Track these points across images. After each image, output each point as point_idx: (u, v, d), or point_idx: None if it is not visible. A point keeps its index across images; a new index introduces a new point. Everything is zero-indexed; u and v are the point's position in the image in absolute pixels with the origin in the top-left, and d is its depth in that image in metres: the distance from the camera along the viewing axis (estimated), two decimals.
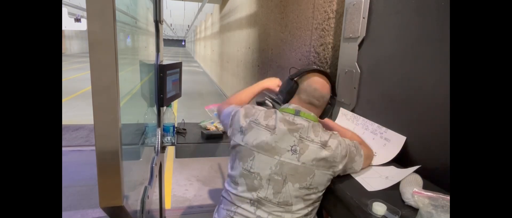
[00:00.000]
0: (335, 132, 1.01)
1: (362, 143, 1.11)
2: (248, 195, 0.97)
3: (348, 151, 0.97)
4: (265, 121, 1.00)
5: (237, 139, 1.02)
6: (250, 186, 0.97)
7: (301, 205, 0.95)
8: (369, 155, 1.08)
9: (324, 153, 0.93)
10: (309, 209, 0.98)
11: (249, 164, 0.97)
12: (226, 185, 1.06)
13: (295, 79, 1.10)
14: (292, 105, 1.06)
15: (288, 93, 1.10)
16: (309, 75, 1.10)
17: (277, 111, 1.05)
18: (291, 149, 0.94)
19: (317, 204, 1.02)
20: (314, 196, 0.96)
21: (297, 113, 1.02)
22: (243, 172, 0.98)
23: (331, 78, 1.15)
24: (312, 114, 1.04)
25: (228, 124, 1.09)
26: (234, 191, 1.00)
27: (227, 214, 1.00)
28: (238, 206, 0.98)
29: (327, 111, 1.12)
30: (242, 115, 1.05)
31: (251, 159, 0.97)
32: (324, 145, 0.94)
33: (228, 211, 1.00)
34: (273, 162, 0.95)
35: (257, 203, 0.96)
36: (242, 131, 1.01)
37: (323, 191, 0.99)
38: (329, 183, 0.98)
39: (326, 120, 1.19)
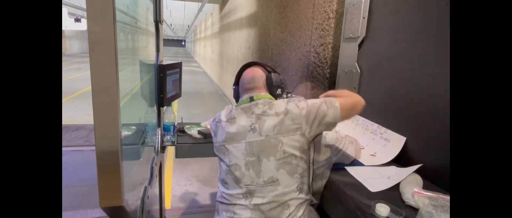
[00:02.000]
0: (297, 97, 1.03)
1: (349, 95, 1.06)
2: (237, 190, 1.00)
3: (311, 109, 0.97)
4: (226, 117, 1.08)
5: (214, 144, 1.12)
6: (235, 179, 1.00)
7: (287, 176, 0.97)
8: (351, 102, 1.03)
9: (281, 118, 0.97)
10: (298, 180, 0.98)
11: (227, 159, 1.03)
12: (218, 189, 1.09)
13: (235, 85, 1.22)
14: (244, 96, 1.12)
15: (234, 97, 1.24)
16: (241, 73, 1.19)
17: (234, 106, 1.12)
18: (251, 129, 1.00)
19: (306, 180, 1.02)
20: (295, 163, 0.97)
21: (251, 99, 1.07)
22: (226, 169, 1.04)
23: (258, 62, 1.20)
24: (263, 93, 1.10)
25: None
26: (226, 191, 1.04)
27: (227, 216, 1.01)
28: (234, 204, 1.00)
29: (273, 85, 1.11)
30: (211, 121, 1.16)
31: (227, 154, 1.04)
32: (279, 113, 0.98)
33: (227, 213, 1.01)
34: (242, 147, 1.00)
35: (248, 194, 0.98)
36: (214, 134, 1.11)
37: (306, 159, 1.00)
38: (305, 148, 0.99)
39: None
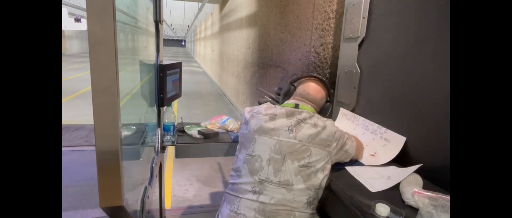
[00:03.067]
0: (332, 120, 1.10)
1: (355, 138, 1.18)
2: (250, 179, 1.01)
3: (341, 135, 1.06)
4: (266, 111, 1.10)
5: (242, 130, 1.14)
6: (252, 169, 1.02)
7: (302, 185, 0.97)
8: (361, 146, 1.17)
9: (318, 130, 1.02)
10: (311, 193, 0.98)
11: (251, 149, 1.05)
12: (230, 180, 1.10)
13: (294, 83, 1.25)
14: (291, 100, 1.20)
15: (285, 94, 1.26)
16: (305, 80, 1.25)
17: (277, 105, 1.16)
18: (288, 129, 1.03)
19: (318, 195, 1.02)
20: (314, 179, 0.98)
21: (296, 106, 1.15)
22: (246, 158, 1.05)
23: (327, 85, 1.27)
24: (309, 106, 1.18)
25: (239, 130, 1.20)
26: (237, 181, 1.04)
27: (230, 211, 1.01)
28: (241, 198, 1.00)
29: (322, 112, 1.24)
30: (247, 111, 1.17)
31: (253, 143, 1.05)
32: (317, 125, 1.03)
33: (231, 209, 1.01)
34: (272, 142, 1.02)
35: (258, 188, 0.99)
36: (246, 122, 1.12)
37: (322, 177, 1.00)
38: (327, 166, 1.02)
39: None
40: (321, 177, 0.99)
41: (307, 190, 0.98)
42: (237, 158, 1.11)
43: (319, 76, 1.29)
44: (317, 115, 1.09)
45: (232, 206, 1.01)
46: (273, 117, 1.07)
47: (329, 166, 1.02)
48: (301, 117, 1.05)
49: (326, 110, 1.25)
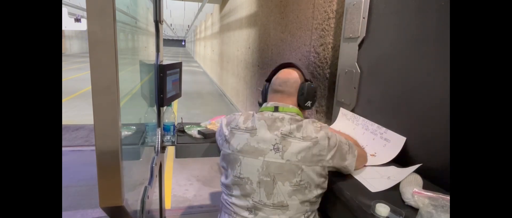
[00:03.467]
0: (325, 125, 0.98)
1: (357, 144, 1.11)
2: (244, 202, 0.96)
3: (338, 145, 0.94)
4: (245, 125, 1.00)
5: (224, 148, 1.03)
6: (244, 192, 0.96)
7: (298, 206, 0.93)
8: (363, 155, 1.08)
9: (308, 145, 0.90)
10: (307, 207, 0.95)
11: (238, 170, 0.97)
12: (222, 193, 1.06)
13: (268, 80, 1.17)
14: (270, 103, 1.08)
15: (262, 93, 1.19)
16: (277, 72, 1.14)
17: (255, 112, 1.05)
18: (274, 148, 0.93)
19: (315, 207, 0.99)
20: (309, 195, 0.93)
21: (276, 109, 1.03)
22: (234, 180, 0.98)
23: (298, 66, 1.13)
24: (290, 106, 1.04)
25: (218, 141, 1.11)
26: (230, 200, 1.00)
27: None
28: (237, 214, 0.98)
29: (305, 96, 1.06)
30: (224, 124, 1.06)
31: (239, 165, 0.97)
32: (307, 139, 0.92)
33: (230, 217, 1.00)
34: (259, 164, 0.93)
35: (254, 209, 0.94)
36: (227, 140, 1.02)
37: (320, 192, 0.96)
38: (323, 180, 0.95)
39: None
40: (316, 191, 0.95)
41: (303, 206, 0.94)
42: (225, 175, 1.03)
43: (288, 62, 1.17)
44: (304, 123, 0.95)
45: (230, 217, 0.99)
46: (253, 132, 0.96)
47: (324, 178, 0.96)
48: (286, 130, 0.93)
49: (310, 92, 1.06)
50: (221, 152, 1.06)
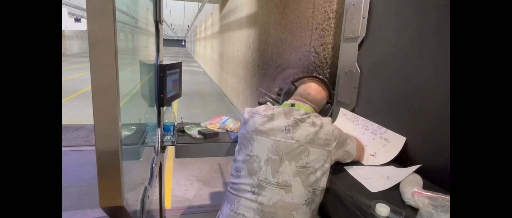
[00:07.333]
0: (329, 118, 1.10)
1: (356, 139, 1.17)
2: (249, 180, 1.01)
3: (340, 133, 1.05)
4: (264, 112, 1.11)
5: (241, 130, 1.14)
6: (250, 170, 1.02)
7: (300, 186, 0.96)
8: (361, 147, 1.15)
9: (316, 129, 1.01)
10: (310, 193, 0.97)
11: (249, 149, 1.05)
12: (230, 179, 1.10)
13: (294, 83, 1.26)
14: (289, 101, 1.20)
15: (286, 94, 1.28)
16: (307, 81, 1.26)
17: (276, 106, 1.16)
18: (285, 129, 1.02)
19: (319, 193, 1.00)
20: (312, 176, 0.97)
21: (292, 105, 1.15)
22: (245, 158, 1.05)
23: (329, 86, 1.28)
24: (307, 105, 1.18)
25: (239, 130, 1.19)
26: (236, 181, 1.05)
27: (230, 211, 1.01)
28: (241, 197, 1.01)
29: (322, 113, 1.24)
30: (247, 111, 1.17)
31: (251, 143, 1.06)
32: (315, 124, 1.02)
33: (231, 209, 1.01)
34: (270, 143, 1.02)
35: (257, 188, 0.98)
36: (245, 122, 1.13)
37: (323, 179, 0.98)
38: (327, 165, 1.00)
39: None
40: (319, 176, 0.98)
41: (306, 191, 0.97)
42: (236, 158, 1.11)
43: (321, 76, 1.29)
44: (315, 114, 1.09)
45: (232, 205, 1.01)
46: (271, 118, 1.07)
47: (328, 165, 1.01)
48: (299, 116, 1.05)
49: (326, 111, 1.25)
50: (239, 134, 1.16)
